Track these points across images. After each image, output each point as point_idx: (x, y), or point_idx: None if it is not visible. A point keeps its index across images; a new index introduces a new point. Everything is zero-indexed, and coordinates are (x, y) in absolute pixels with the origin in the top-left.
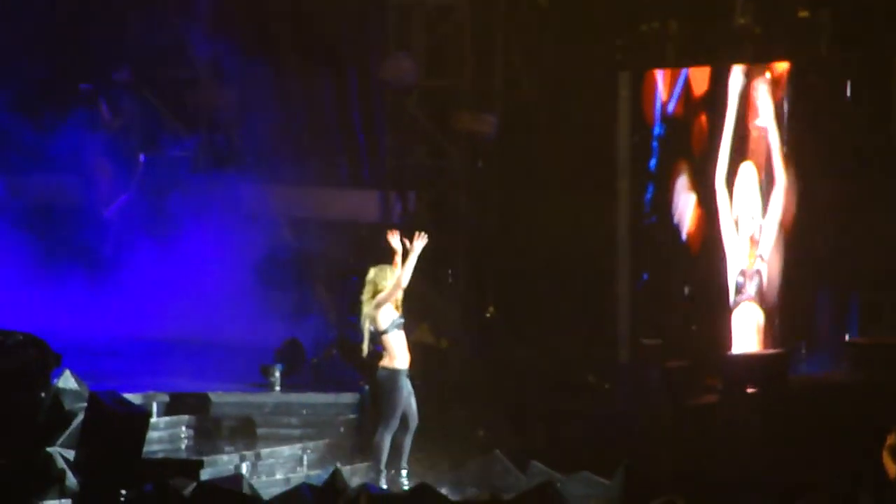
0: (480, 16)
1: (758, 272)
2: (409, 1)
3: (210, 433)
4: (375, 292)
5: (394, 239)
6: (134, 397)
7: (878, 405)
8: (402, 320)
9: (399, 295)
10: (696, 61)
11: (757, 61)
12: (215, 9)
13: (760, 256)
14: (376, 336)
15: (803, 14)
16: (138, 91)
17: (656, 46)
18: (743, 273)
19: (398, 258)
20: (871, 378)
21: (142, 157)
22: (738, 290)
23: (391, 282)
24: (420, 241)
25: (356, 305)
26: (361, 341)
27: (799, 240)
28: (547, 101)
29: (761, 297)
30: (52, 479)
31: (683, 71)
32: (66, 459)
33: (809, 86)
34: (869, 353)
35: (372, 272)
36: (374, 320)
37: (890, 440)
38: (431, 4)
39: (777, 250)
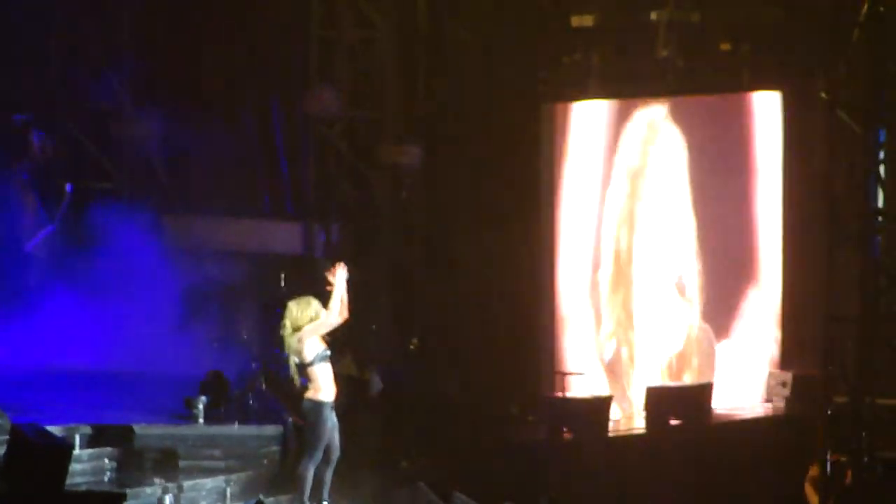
0: (403, 47)
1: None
2: (333, 33)
3: (133, 465)
4: (296, 326)
5: (340, 273)
6: (56, 429)
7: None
8: (328, 353)
9: (327, 330)
10: (619, 94)
11: (678, 94)
12: (138, 39)
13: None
14: (302, 368)
15: (725, 47)
16: (61, 123)
17: (578, 79)
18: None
19: (336, 292)
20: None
21: (68, 188)
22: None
23: (321, 314)
24: (341, 272)
25: (280, 337)
26: (286, 374)
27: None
28: (470, 132)
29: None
30: None
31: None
32: None
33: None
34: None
35: (291, 305)
36: (299, 353)
37: (811, 472)
38: (355, 36)
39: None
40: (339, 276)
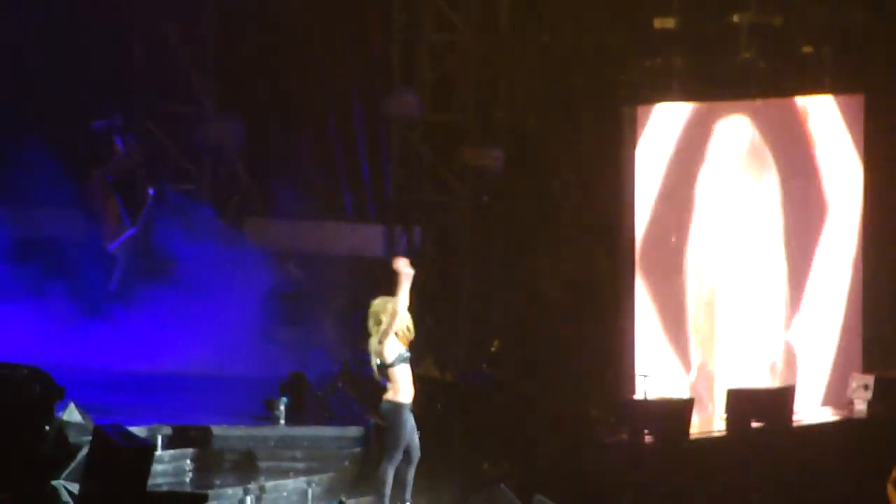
0: (484, 50)
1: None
2: (414, 35)
3: (214, 467)
4: (378, 326)
5: (403, 264)
6: (138, 430)
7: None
8: (409, 354)
9: (405, 327)
10: (701, 97)
11: (761, 96)
12: (220, 41)
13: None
14: (382, 369)
15: (807, 49)
16: (143, 127)
17: (661, 81)
18: None
19: (403, 289)
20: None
21: (150, 192)
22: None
23: (398, 313)
24: (403, 266)
25: (361, 339)
26: (367, 375)
27: None
28: (552, 135)
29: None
30: None
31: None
32: (70, 493)
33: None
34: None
35: (374, 306)
36: (380, 354)
37: (894, 473)
38: (435, 39)
39: None
40: (404, 273)
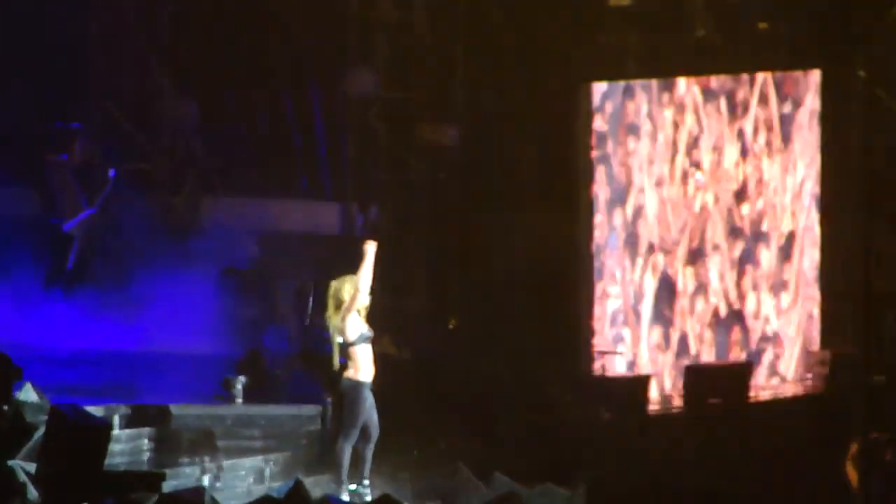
0: (440, 27)
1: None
2: (370, 13)
3: (171, 446)
4: (339, 304)
5: (370, 248)
6: (95, 410)
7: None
8: (371, 334)
9: (363, 305)
10: (656, 73)
11: (716, 73)
12: (176, 21)
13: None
14: (344, 348)
15: (763, 26)
16: (100, 105)
17: (615, 58)
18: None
19: (366, 267)
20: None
21: (110, 173)
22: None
23: (359, 290)
24: (371, 246)
25: (317, 317)
26: (326, 353)
27: None
28: (507, 112)
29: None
30: (13, 493)
31: None
32: (27, 473)
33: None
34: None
35: (333, 285)
36: (342, 332)
37: (853, 450)
38: (392, 17)
39: None
40: (368, 252)
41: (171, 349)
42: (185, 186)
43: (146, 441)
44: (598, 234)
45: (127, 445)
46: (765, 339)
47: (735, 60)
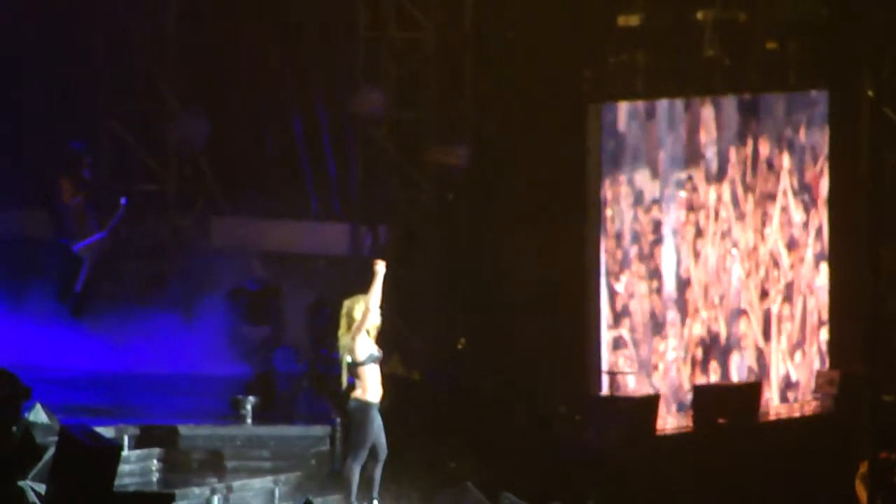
0: (449, 47)
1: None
2: (378, 33)
3: (181, 466)
4: (351, 323)
5: (380, 268)
6: (105, 430)
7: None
8: (379, 355)
9: (374, 325)
10: (665, 93)
11: (725, 93)
12: (183, 41)
13: None
14: (352, 367)
15: (771, 46)
16: (108, 127)
17: (624, 78)
18: None
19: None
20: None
21: (122, 201)
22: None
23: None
24: (381, 266)
25: (326, 338)
26: (336, 373)
27: None
28: (517, 132)
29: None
30: None
31: None
32: (37, 493)
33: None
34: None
35: (346, 304)
36: (351, 352)
37: (862, 469)
38: (399, 36)
39: None
40: (378, 273)
41: (180, 370)
42: (194, 207)
43: (156, 462)
44: (606, 256)
45: (136, 466)
46: (775, 358)
47: (743, 81)
